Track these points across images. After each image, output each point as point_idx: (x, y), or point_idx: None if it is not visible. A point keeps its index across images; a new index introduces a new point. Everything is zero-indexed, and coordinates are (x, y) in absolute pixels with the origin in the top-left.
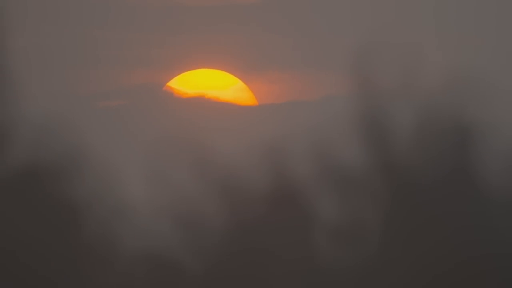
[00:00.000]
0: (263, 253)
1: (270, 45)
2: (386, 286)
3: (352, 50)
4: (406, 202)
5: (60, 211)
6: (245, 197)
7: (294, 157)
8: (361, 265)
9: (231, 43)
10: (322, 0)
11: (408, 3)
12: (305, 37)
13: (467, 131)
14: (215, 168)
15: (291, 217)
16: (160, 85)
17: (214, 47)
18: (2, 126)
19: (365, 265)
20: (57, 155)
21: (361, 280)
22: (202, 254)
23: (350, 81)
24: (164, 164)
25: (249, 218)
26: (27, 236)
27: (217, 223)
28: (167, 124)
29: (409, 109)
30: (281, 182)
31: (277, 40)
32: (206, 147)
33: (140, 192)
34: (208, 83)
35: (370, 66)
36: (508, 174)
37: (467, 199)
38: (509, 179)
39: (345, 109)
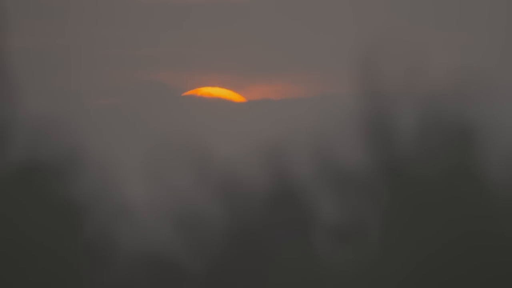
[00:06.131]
0: (263, 252)
1: (268, 43)
2: (386, 286)
3: (353, 49)
4: (407, 201)
5: (60, 210)
6: (244, 194)
7: (293, 154)
8: (361, 265)
9: (228, 41)
10: None
11: (411, 2)
12: (304, 35)
13: (470, 129)
14: (214, 166)
15: (290, 215)
16: (158, 84)
17: (211, 45)
18: (2, 125)
19: (365, 265)
20: (57, 154)
21: (361, 280)
22: (201, 253)
23: (351, 80)
24: (162, 162)
25: (249, 215)
26: (26, 236)
27: (216, 221)
28: (165, 121)
29: (411, 107)
30: (281, 179)
31: (275, 38)
32: (204, 145)
33: (139, 190)
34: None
35: (372, 64)
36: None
37: (469, 198)
38: None
39: (346, 108)
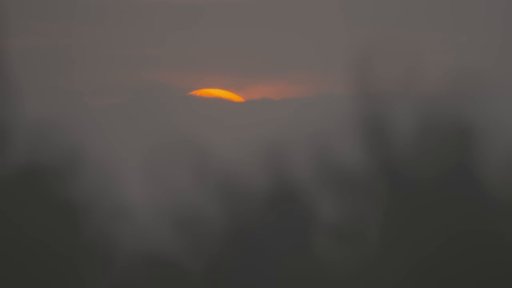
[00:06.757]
0: (262, 251)
1: (267, 44)
2: (385, 285)
3: (351, 50)
4: (406, 201)
5: (61, 210)
6: (243, 194)
7: (292, 154)
8: (360, 264)
9: (227, 41)
10: None
11: (409, 3)
12: (303, 36)
13: (468, 129)
14: (213, 166)
15: (289, 214)
16: (160, 84)
17: (210, 44)
18: (2, 126)
19: (364, 264)
20: (58, 155)
21: (360, 279)
22: (200, 253)
23: (349, 80)
24: (162, 162)
25: (248, 215)
26: (27, 236)
27: (215, 220)
28: (166, 122)
29: (409, 108)
30: (279, 179)
31: (275, 39)
32: (204, 145)
33: (139, 190)
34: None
35: (369, 65)
36: (509, 173)
37: (468, 198)
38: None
39: (344, 108)
